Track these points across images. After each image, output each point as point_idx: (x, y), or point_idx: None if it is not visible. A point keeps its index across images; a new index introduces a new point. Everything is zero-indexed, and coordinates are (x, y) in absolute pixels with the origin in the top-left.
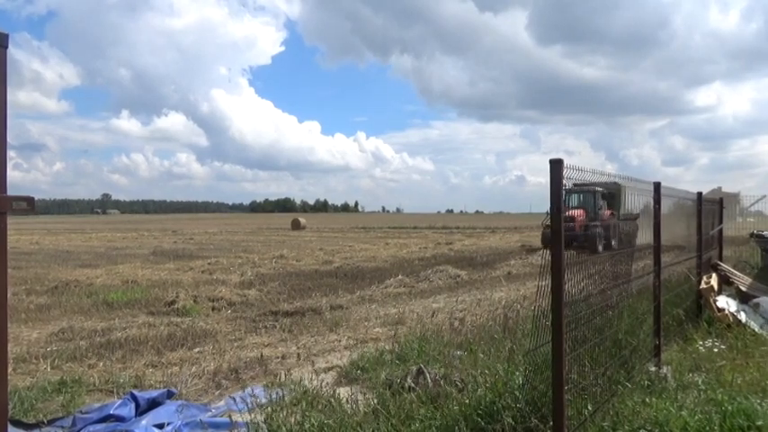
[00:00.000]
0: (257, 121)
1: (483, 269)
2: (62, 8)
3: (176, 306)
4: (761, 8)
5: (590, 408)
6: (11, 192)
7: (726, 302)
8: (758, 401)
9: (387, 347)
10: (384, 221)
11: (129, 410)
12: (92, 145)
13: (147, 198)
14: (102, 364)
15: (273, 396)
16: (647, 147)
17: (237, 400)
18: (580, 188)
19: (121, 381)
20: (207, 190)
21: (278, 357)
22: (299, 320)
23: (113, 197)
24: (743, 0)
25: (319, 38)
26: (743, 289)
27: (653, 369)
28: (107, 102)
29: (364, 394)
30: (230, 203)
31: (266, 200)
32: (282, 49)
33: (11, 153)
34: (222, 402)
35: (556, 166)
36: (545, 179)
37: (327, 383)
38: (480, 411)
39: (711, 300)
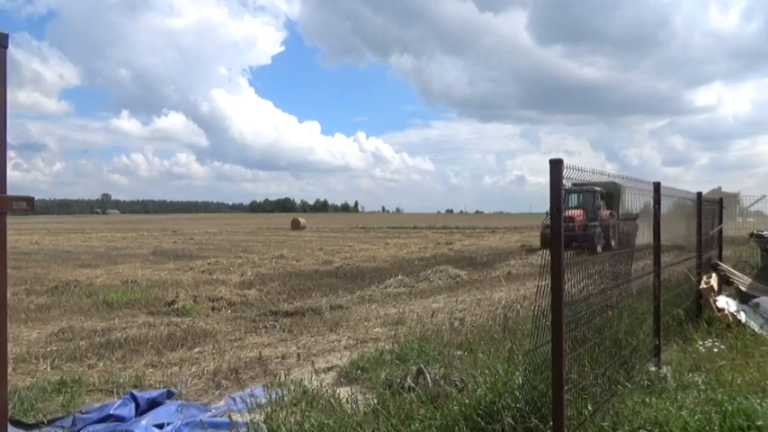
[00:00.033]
0: (257, 121)
1: (483, 269)
2: (62, 8)
3: (176, 306)
4: (761, 8)
5: (590, 408)
6: (11, 192)
7: (726, 302)
8: (758, 401)
9: (387, 347)
10: (384, 221)
11: (129, 410)
12: (92, 145)
13: (146, 198)
14: (102, 364)
15: (273, 396)
16: (647, 147)
17: (237, 400)
18: (579, 188)
19: (121, 381)
20: (207, 190)
21: (278, 357)
22: (299, 320)
23: (113, 197)
24: (743, 0)
25: (319, 38)
26: (743, 289)
27: (653, 369)
28: (107, 102)
29: (364, 394)
30: (230, 203)
31: (266, 200)
32: (282, 49)
33: (11, 153)
34: (222, 402)
35: (556, 166)
36: (545, 179)
37: (327, 383)
38: (480, 411)
39: (711, 300)
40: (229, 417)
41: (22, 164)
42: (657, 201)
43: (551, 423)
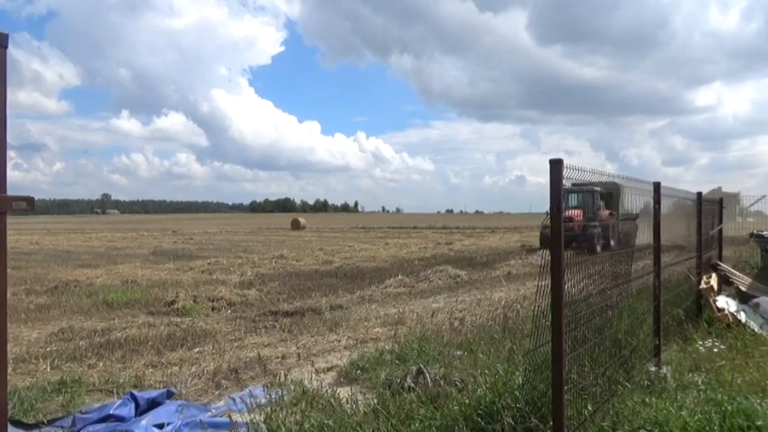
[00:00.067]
0: (257, 121)
1: (483, 269)
2: (62, 8)
3: (176, 306)
4: (761, 8)
5: (590, 408)
6: (11, 192)
7: (726, 302)
8: (758, 401)
9: (387, 347)
10: (384, 221)
11: (128, 410)
12: (92, 145)
13: (146, 198)
14: (101, 364)
15: (273, 396)
16: (647, 147)
17: (237, 400)
18: (578, 188)
19: (121, 381)
20: (207, 190)
21: (278, 357)
22: (299, 320)
23: (113, 197)
24: (743, 0)
25: (319, 38)
26: (743, 289)
27: (653, 369)
28: (107, 102)
29: (364, 394)
30: (230, 203)
31: (266, 200)
32: (282, 49)
33: (11, 153)
34: (222, 402)
35: (556, 166)
36: (545, 179)
37: (327, 383)
38: (480, 411)
39: (711, 300)
40: (229, 417)
41: (22, 164)
42: (657, 201)
43: (551, 423)
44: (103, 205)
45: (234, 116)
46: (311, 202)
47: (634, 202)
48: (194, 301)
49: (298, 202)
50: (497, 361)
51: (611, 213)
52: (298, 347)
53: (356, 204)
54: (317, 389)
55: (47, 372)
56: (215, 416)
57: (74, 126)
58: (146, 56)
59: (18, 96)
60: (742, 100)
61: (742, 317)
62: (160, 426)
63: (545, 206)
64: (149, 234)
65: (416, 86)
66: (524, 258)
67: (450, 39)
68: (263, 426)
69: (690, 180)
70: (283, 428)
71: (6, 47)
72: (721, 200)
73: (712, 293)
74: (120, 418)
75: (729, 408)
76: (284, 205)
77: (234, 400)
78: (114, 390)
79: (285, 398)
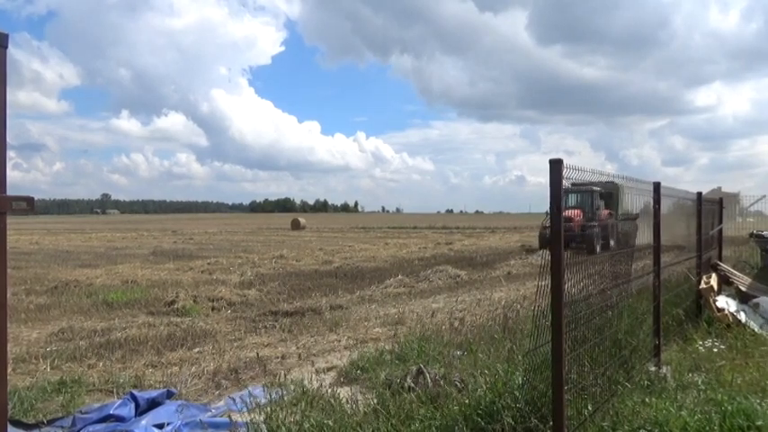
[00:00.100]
0: (257, 121)
1: (483, 269)
2: (62, 8)
3: (176, 306)
4: (761, 8)
5: (590, 408)
6: (11, 192)
7: (725, 302)
8: (758, 401)
9: (386, 347)
10: (384, 221)
11: (128, 410)
12: (92, 145)
13: (146, 198)
14: (101, 364)
15: (273, 396)
16: (646, 147)
17: (237, 400)
18: (578, 188)
19: (121, 381)
20: (207, 190)
21: (278, 357)
22: (299, 320)
23: (113, 197)
24: (743, 0)
25: (319, 38)
26: (743, 289)
27: (653, 369)
28: (107, 102)
29: (364, 394)
30: (230, 203)
31: (266, 200)
32: (282, 49)
33: (11, 153)
34: (222, 402)
35: (555, 166)
36: (545, 179)
37: (327, 383)
38: (480, 411)
39: (711, 300)
40: (229, 417)
41: (22, 164)
42: (657, 201)
43: (551, 423)
44: (103, 205)
45: (234, 116)
46: (311, 202)
47: (634, 202)
48: (194, 301)
49: (298, 202)
50: (497, 361)
51: (610, 213)
52: (298, 347)
53: (356, 204)
54: (316, 389)
55: (47, 372)
56: (215, 416)
57: (74, 126)
58: (146, 56)
59: (18, 96)
60: (742, 100)
61: (742, 317)
62: (160, 426)
63: (545, 206)
64: (149, 234)
65: (416, 86)
66: (524, 258)
67: (451, 39)
68: (262, 426)
69: (690, 180)
70: (283, 428)
71: (6, 47)
72: (721, 200)
73: (712, 293)
74: (120, 418)
75: (729, 408)
76: (284, 205)
77: (234, 400)
78: (114, 390)
79: (285, 398)
